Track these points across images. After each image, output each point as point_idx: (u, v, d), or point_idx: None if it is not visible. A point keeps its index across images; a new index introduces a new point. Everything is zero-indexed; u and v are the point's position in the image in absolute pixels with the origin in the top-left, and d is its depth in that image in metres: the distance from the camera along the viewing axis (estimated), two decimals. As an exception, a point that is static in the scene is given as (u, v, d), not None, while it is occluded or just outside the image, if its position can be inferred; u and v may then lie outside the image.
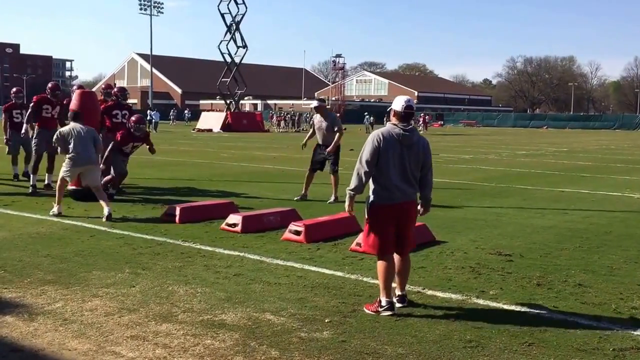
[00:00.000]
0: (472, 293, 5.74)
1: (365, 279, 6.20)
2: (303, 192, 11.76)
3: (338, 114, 63.47)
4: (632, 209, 11.18)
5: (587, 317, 5.17)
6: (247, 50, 53.64)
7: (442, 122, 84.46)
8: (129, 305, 5.23)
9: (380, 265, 5.23)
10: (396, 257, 5.31)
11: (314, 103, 11.86)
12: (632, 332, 4.87)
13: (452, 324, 4.93)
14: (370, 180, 5.23)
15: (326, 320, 4.96)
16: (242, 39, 53.25)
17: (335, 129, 11.44)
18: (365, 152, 5.17)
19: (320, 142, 11.75)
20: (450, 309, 5.32)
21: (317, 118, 11.75)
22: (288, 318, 5.01)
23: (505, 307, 5.42)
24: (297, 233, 7.88)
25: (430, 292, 5.78)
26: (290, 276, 6.26)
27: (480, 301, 5.56)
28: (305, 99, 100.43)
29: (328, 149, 11.46)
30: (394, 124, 5.18)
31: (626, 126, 76.48)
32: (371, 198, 5.24)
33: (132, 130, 11.03)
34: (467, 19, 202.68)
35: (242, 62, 54.86)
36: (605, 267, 6.83)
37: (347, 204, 5.42)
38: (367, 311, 5.16)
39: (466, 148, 31.06)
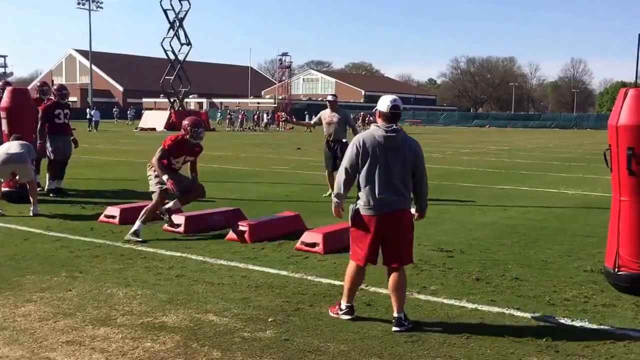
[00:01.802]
0: (414, 289, 5.82)
1: (309, 278, 6.22)
2: (330, 190, 11.62)
3: (283, 113, 63.16)
4: (566, 205, 11.54)
5: (523, 309, 5.32)
6: (191, 47, 53.09)
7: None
8: (65, 310, 5.12)
9: (349, 267, 4.98)
10: (389, 272, 4.92)
11: (330, 97, 11.86)
12: (564, 322, 5.04)
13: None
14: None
15: (269, 320, 4.96)
16: (186, 36, 52.68)
17: (349, 126, 11.65)
18: (346, 158, 4.87)
19: (330, 138, 11.70)
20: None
21: (328, 112, 11.72)
22: (231, 318, 4.99)
23: (446, 301, 5.53)
24: (242, 233, 7.85)
25: (373, 289, 5.84)
26: (233, 276, 6.24)
27: (422, 296, 5.65)
28: (251, 97, 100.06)
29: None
30: (377, 126, 4.83)
31: (563, 125, 79.06)
32: (355, 206, 4.88)
33: (188, 136, 8.28)
34: (413, 19, 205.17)
35: (187, 59, 54.24)
36: (541, 261, 7.03)
37: (333, 209, 5.04)
38: (330, 313, 5.05)
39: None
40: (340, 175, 4.90)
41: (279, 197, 11.95)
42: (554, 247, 7.73)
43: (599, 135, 50.01)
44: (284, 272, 6.42)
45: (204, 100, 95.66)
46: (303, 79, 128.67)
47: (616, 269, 5.82)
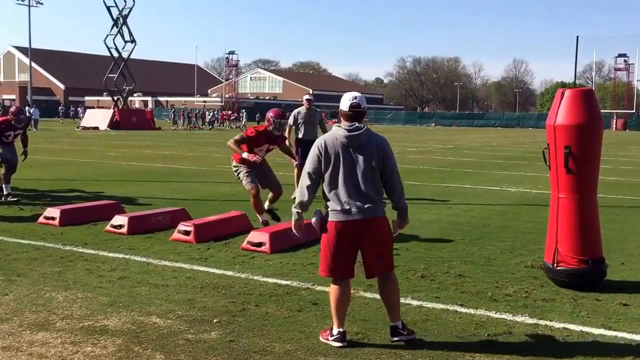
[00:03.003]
0: (360, 287, 5.84)
1: (255, 278, 6.18)
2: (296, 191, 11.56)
3: (231, 112, 62.39)
4: (508, 202, 11.79)
5: (466, 305, 5.40)
6: (135, 45, 52.18)
7: (336, 120, 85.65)
8: (1, 315, 4.95)
9: (331, 291, 4.55)
10: (378, 282, 4.63)
11: (307, 96, 11.84)
12: (506, 317, 5.13)
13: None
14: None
15: (215, 321, 4.91)
16: (130, 34, 51.74)
17: (320, 126, 11.82)
18: (308, 162, 4.53)
19: (305, 137, 11.54)
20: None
21: (305, 112, 11.63)
22: (175, 320, 4.91)
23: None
24: (187, 233, 7.75)
25: (319, 288, 5.83)
26: (178, 277, 6.15)
27: (368, 294, 5.67)
28: (198, 95, 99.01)
29: None
30: (339, 126, 4.51)
31: (506, 124, 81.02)
32: (322, 213, 4.52)
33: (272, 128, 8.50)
34: (359, 19, 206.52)
35: (131, 57, 53.34)
36: (484, 257, 7.15)
37: (292, 221, 4.64)
38: (320, 338, 4.54)
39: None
40: (303, 181, 4.53)
41: (225, 197, 11.86)
42: (497, 243, 7.88)
43: (540, 134, 51.31)
44: (229, 273, 6.36)
45: (149, 98, 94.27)
46: (250, 77, 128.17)
47: (555, 265, 5.97)
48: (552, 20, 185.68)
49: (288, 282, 6.03)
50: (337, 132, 4.49)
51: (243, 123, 58.76)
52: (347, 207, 4.37)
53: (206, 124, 58.58)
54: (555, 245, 5.98)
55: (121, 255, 6.95)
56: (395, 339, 4.49)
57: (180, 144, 29.95)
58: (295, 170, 11.43)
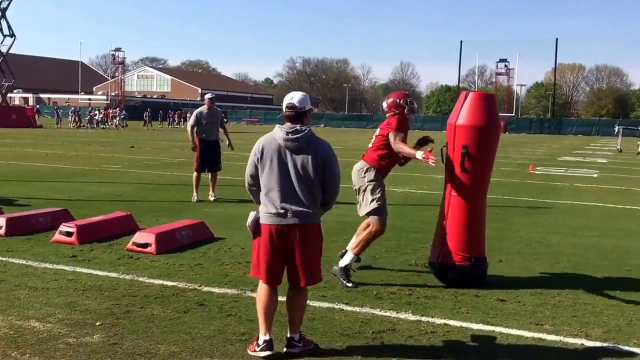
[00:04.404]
0: (247, 287, 5.87)
1: (140, 279, 6.07)
2: (196, 194, 11.20)
3: (117, 109, 60.31)
4: (394, 202, 12.09)
5: (352, 304, 5.54)
6: (15, 39, 49.80)
7: (225, 120, 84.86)
8: None
9: (258, 292, 4.43)
10: (289, 289, 4.44)
11: (209, 95, 11.34)
12: (390, 315, 5.31)
13: (226, 319, 5.01)
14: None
15: (97, 324, 4.79)
16: (9, 27, 49.39)
17: (221, 125, 11.45)
18: (248, 165, 4.42)
19: (210, 138, 11.22)
20: (225, 304, 5.40)
21: (206, 113, 11.19)
22: (55, 324, 4.76)
23: (279, 299, 5.60)
24: (69, 234, 7.49)
25: (206, 289, 5.81)
26: (59, 280, 5.95)
27: (255, 294, 5.67)
28: (82, 93, 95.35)
29: (230, 146, 11.59)
30: (280, 127, 4.34)
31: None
32: (257, 213, 4.38)
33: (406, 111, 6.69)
34: (248, 19, 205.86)
35: (10, 52, 50.80)
36: (370, 256, 7.35)
37: (247, 223, 4.42)
38: (249, 352, 4.33)
39: (247, 146, 31.54)
40: (247, 185, 4.47)
41: (109, 197, 11.53)
42: (383, 242, 8.09)
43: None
44: (113, 274, 6.21)
45: (30, 95, 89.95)
46: (137, 75, 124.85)
47: (439, 259, 6.20)
48: (437, 24, 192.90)
49: (174, 283, 5.97)
50: (276, 133, 4.32)
51: (117, 122, 56.30)
52: (282, 211, 4.24)
53: (99, 122, 55.90)
54: (441, 243, 6.21)
55: (-3, 258, 6.63)
56: (289, 350, 4.37)
57: (63, 142, 28.78)
58: (195, 174, 11.27)
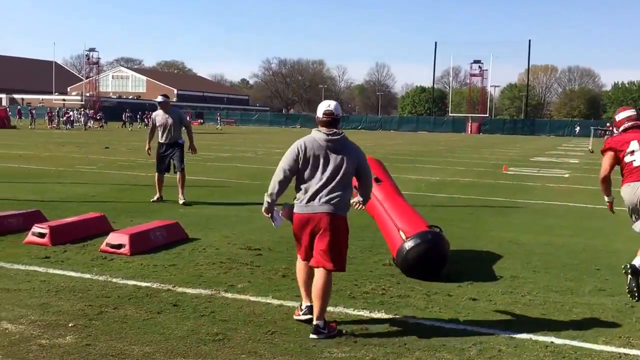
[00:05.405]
0: (221, 287, 5.88)
1: (114, 280, 6.05)
2: (158, 194, 11.12)
3: (92, 110, 59.87)
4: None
5: (326, 303, 5.58)
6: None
7: (201, 121, 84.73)
8: None
9: (297, 267, 5.15)
10: (315, 275, 4.90)
11: (159, 98, 11.10)
12: (363, 314, 5.36)
13: (200, 319, 5.02)
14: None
15: (70, 325, 4.77)
16: (-19, 26, 48.49)
17: (184, 126, 11.14)
18: (285, 159, 4.91)
19: (164, 141, 11.03)
20: (199, 304, 5.40)
21: (161, 115, 11.01)
22: (28, 325, 4.73)
23: (252, 298, 5.64)
24: (41, 235, 7.44)
25: (180, 289, 5.81)
26: (32, 281, 5.91)
27: (229, 295, 5.72)
28: (56, 93, 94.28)
29: (191, 149, 11.22)
30: (318, 130, 4.93)
31: (369, 127, 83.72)
32: (292, 203, 4.96)
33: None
34: (223, 19, 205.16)
35: (-19, 51, 50.03)
36: (344, 256, 7.40)
37: (263, 208, 4.96)
38: (294, 316, 5.12)
39: (224, 146, 31.49)
40: (276, 175, 4.90)
41: (83, 198, 11.44)
42: (357, 242, 8.15)
43: (400, 137, 53.41)
44: (87, 275, 6.19)
45: (3, 95, 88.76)
46: (112, 76, 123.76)
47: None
48: (413, 25, 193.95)
49: (148, 284, 5.96)
50: (316, 135, 4.90)
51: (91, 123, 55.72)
52: (315, 202, 4.80)
53: (79, 123, 55.07)
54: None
55: (-32, 260, 6.56)
56: (314, 336, 4.72)
57: (37, 143, 28.47)
58: (157, 174, 11.23)
